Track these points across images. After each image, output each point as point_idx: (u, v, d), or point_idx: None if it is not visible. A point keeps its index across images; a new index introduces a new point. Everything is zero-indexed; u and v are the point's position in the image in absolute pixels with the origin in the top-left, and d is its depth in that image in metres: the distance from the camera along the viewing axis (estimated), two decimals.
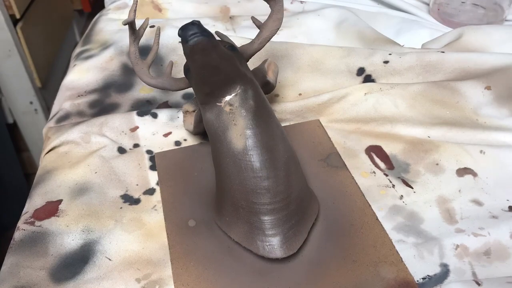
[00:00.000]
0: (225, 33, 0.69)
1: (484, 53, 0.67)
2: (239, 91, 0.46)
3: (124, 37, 0.74)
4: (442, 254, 0.46)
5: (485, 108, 0.60)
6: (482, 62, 0.65)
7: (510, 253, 0.45)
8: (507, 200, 0.50)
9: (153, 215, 0.51)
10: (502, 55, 0.66)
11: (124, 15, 0.81)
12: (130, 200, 0.53)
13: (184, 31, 0.43)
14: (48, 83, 1.35)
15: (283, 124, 0.60)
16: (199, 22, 0.44)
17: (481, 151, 0.55)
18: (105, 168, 0.56)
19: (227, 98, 0.46)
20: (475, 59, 0.66)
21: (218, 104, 0.46)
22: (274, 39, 0.53)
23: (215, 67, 0.44)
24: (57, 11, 1.50)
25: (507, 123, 0.58)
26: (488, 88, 0.62)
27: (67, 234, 0.49)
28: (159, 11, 0.82)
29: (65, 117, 0.63)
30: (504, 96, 0.61)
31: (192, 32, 0.43)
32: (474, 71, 0.65)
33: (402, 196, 0.52)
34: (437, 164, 0.54)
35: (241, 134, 0.44)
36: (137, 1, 0.52)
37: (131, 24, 0.52)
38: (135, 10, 0.52)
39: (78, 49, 0.75)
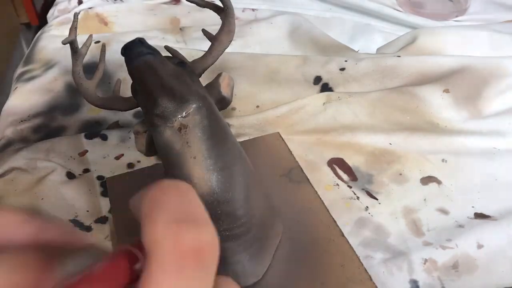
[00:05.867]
0: (175, 45, 0.67)
1: (440, 56, 0.67)
2: (191, 110, 0.43)
3: (69, 55, 0.70)
4: (411, 269, 0.44)
5: (445, 111, 0.60)
6: (438, 65, 0.65)
7: (477, 265, 0.44)
8: (472, 207, 0.50)
9: (106, 245, 0.48)
10: (457, 57, 0.66)
11: (68, 31, 0.76)
12: (80, 226, 0.49)
13: (127, 50, 0.40)
14: None
15: (241, 139, 0.57)
16: (143, 39, 0.41)
17: (443, 160, 0.54)
18: (52, 193, 0.52)
19: (179, 118, 0.43)
20: (431, 62, 0.65)
21: (169, 125, 0.43)
22: (227, 49, 0.50)
23: (164, 86, 0.41)
24: (1, 25, 1.43)
25: (467, 126, 0.58)
26: (446, 91, 0.61)
27: None
28: (105, 24, 0.78)
29: (7, 145, 0.59)
30: (463, 99, 0.61)
31: (136, 51, 0.40)
32: (431, 75, 0.64)
33: (367, 207, 0.50)
34: (400, 174, 0.53)
35: (195, 157, 0.42)
36: (77, 18, 0.49)
37: (72, 43, 0.49)
38: (76, 28, 0.48)
39: (19, 70, 0.70)
